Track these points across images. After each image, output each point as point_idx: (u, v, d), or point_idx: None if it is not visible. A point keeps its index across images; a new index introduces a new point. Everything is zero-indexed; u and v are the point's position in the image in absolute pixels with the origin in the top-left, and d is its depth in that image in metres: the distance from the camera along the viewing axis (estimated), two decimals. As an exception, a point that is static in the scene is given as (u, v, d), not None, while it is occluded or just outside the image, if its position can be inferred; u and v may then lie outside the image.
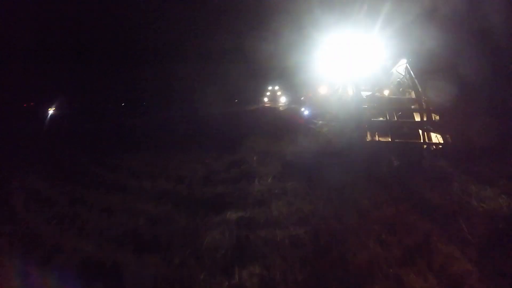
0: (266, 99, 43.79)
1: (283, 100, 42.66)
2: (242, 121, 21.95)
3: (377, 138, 7.46)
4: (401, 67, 8.43)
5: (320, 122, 9.14)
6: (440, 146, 7.09)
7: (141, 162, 9.49)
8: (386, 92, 9.47)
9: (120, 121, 28.51)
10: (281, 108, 38.49)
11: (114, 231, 5.09)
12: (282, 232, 4.91)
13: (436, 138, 7.27)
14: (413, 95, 8.01)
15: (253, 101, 48.06)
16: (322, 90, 11.29)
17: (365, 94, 8.60)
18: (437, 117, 7.34)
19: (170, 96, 54.43)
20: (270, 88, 43.74)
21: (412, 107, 8.05)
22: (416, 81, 7.89)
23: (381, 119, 7.90)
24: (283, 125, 15.75)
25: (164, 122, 24.92)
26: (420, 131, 7.55)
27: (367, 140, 7.40)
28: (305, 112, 18.58)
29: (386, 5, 9.64)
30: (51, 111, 40.06)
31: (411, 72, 8.04)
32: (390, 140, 7.34)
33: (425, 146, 7.34)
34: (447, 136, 6.99)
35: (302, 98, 20.43)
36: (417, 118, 7.83)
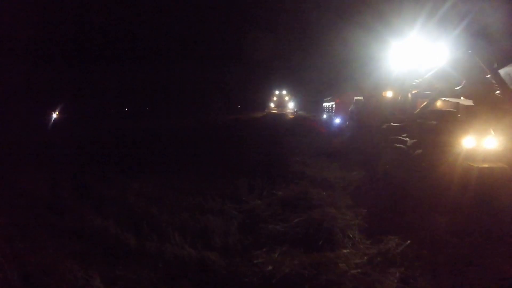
0: (272, 105, 40.92)
1: (291, 105, 39.90)
2: (262, 130, 18.79)
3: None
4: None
5: (409, 140, 6.21)
6: None
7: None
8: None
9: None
10: (290, 115, 35.79)
11: None
12: None
13: None
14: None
15: (259, 107, 45.19)
16: (388, 94, 8.41)
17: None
18: None
19: (164, 102, 51.63)
20: (277, 92, 40.91)
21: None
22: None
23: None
24: (324, 139, 12.74)
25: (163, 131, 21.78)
26: None
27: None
28: (336, 120, 15.74)
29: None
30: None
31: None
32: None
33: None
34: None
35: (330, 105, 17.57)
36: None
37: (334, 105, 16.21)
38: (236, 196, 5.94)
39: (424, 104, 7.11)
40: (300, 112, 39.26)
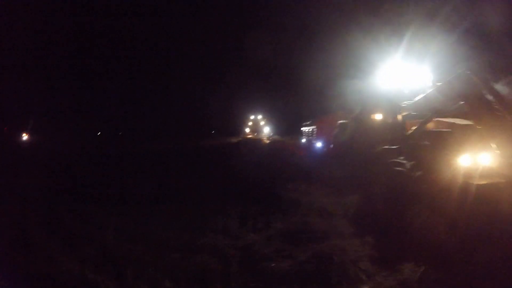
0: (247, 130, 40.59)
1: (266, 130, 39.74)
2: (241, 155, 18.27)
3: None
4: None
5: (407, 162, 5.96)
6: None
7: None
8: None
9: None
10: (266, 140, 35.54)
11: None
12: None
13: None
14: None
15: (233, 132, 44.77)
16: (377, 117, 8.27)
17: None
18: None
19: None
20: (252, 117, 40.70)
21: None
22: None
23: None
24: (307, 163, 12.40)
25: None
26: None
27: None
28: (317, 143, 15.54)
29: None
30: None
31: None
32: None
33: None
34: None
35: (309, 129, 17.41)
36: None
37: (314, 129, 16.05)
38: (228, 230, 5.37)
39: (418, 125, 6.96)
40: (275, 137, 39.19)
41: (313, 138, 16.27)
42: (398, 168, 5.90)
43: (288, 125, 41.41)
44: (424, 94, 7.13)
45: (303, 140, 20.03)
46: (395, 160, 6.14)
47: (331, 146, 10.91)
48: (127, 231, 5.41)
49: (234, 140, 37.12)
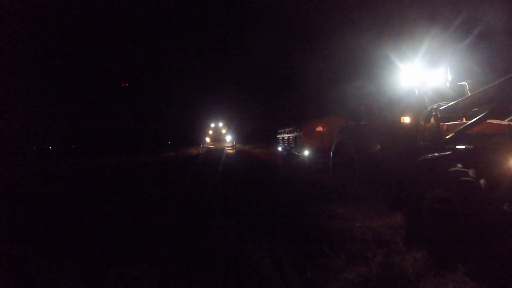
0: (208, 139, 38.83)
1: (228, 139, 38.35)
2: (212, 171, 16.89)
3: None
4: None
5: (469, 170, 5.05)
6: None
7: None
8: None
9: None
10: (229, 150, 34.31)
11: None
12: None
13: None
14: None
15: (193, 142, 42.85)
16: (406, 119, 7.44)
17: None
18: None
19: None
20: (212, 125, 39.08)
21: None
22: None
23: None
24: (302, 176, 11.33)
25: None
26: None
27: None
28: (305, 152, 14.54)
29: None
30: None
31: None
32: None
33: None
34: None
35: (291, 136, 16.34)
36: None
37: (298, 136, 15.00)
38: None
39: (462, 128, 6.17)
40: (238, 145, 38.08)
41: (297, 147, 15.25)
42: (464, 178, 4.98)
43: (251, 133, 40.47)
44: (471, 94, 6.48)
45: (280, 149, 19.04)
46: (455, 169, 5.23)
47: (333, 156, 9.91)
48: None
49: (194, 151, 35.52)
